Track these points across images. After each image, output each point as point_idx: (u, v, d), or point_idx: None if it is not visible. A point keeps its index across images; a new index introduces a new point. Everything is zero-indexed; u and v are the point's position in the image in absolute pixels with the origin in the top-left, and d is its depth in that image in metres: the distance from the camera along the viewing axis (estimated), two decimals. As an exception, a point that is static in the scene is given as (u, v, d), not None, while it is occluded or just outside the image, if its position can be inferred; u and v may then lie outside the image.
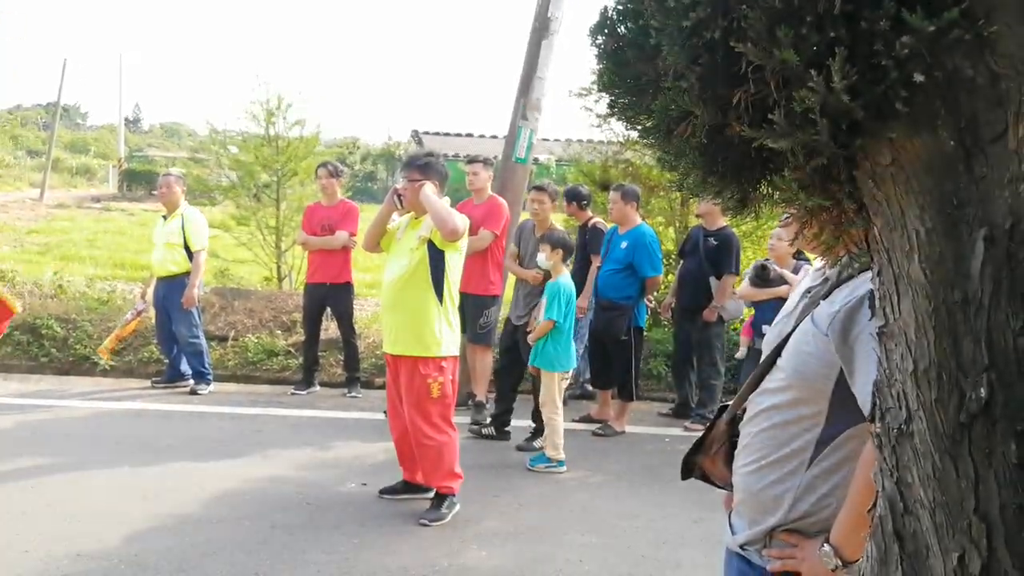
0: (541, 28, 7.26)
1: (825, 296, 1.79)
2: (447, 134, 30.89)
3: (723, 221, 7.11)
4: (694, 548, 4.57)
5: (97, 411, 6.87)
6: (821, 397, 1.76)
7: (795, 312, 1.90)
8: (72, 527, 4.48)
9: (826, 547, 1.74)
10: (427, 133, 30.58)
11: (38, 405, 6.91)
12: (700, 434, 2.14)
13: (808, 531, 1.81)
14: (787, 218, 1.26)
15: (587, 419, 7.04)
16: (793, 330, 1.84)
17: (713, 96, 1.06)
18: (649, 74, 1.10)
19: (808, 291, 1.90)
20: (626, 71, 1.12)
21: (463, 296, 5.00)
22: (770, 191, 1.20)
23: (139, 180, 35.73)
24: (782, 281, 6.10)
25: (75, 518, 4.60)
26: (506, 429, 6.49)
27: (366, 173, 34.17)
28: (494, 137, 31.07)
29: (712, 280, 7.05)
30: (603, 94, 1.22)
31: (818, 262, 1.98)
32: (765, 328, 6.61)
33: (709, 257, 7.04)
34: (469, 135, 31.13)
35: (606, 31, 1.12)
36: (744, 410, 1.96)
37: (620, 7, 1.09)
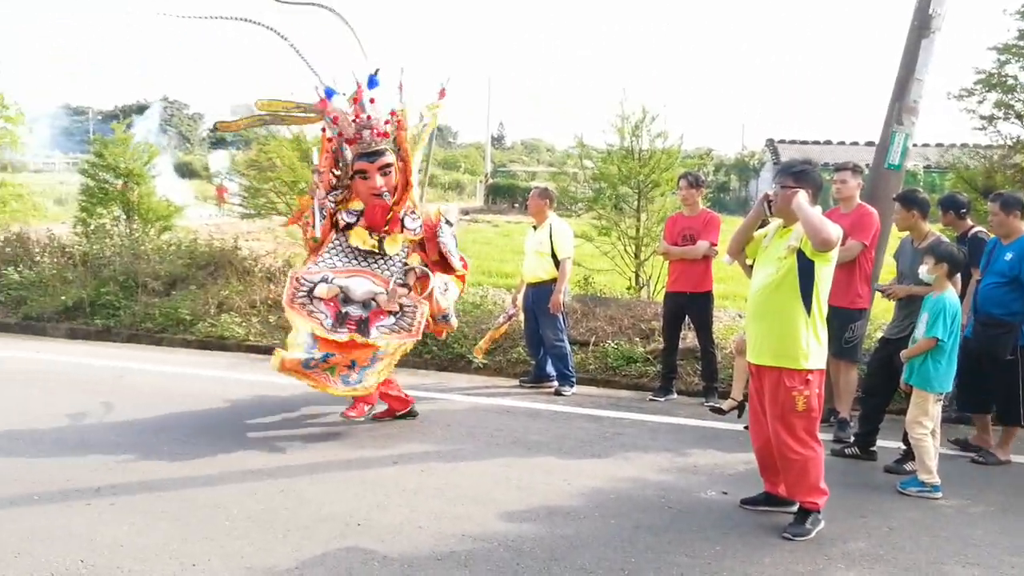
0: (921, 26, 6.82)
1: None
2: (804, 142, 29.86)
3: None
4: (1102, 597, 4.07)
5: (473, 405, 7.48)
6: None
7: None
8: (457, 509, 4.94)
9: None
10: (783, 142, 29.78)
11: (424, 397, 7.60)
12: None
13: None
14: None
15: (963, 444, 6.48)
16: None
17: None
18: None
19: None
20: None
21: (828, 308, 4.84)
22: None
23: (503, 194, 38.12)
24: None
25: (459, 501, 5.06)
26: (871, 449, 6.16)
27: (719, 184, 33.89)
28: (855, 143, 29.55)
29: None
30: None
31: None
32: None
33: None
34: (827, 142, 29.85)
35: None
36: None
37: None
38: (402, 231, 6.76)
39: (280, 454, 5.91)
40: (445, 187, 47.00)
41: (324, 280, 6.44)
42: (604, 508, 5.01)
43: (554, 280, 7.88)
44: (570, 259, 8.02)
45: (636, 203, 10.65)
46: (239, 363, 9.02)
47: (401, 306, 6.48)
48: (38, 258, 11.81)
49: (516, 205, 32.98)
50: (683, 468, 5.82)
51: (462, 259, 7.17)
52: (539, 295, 7.96)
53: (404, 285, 6.61)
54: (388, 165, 6.65)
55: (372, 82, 6.67)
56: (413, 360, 9.01)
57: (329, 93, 6.70)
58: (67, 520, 4.62)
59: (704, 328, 7.69)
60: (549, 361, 8.11)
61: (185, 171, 29.07)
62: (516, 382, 8.36)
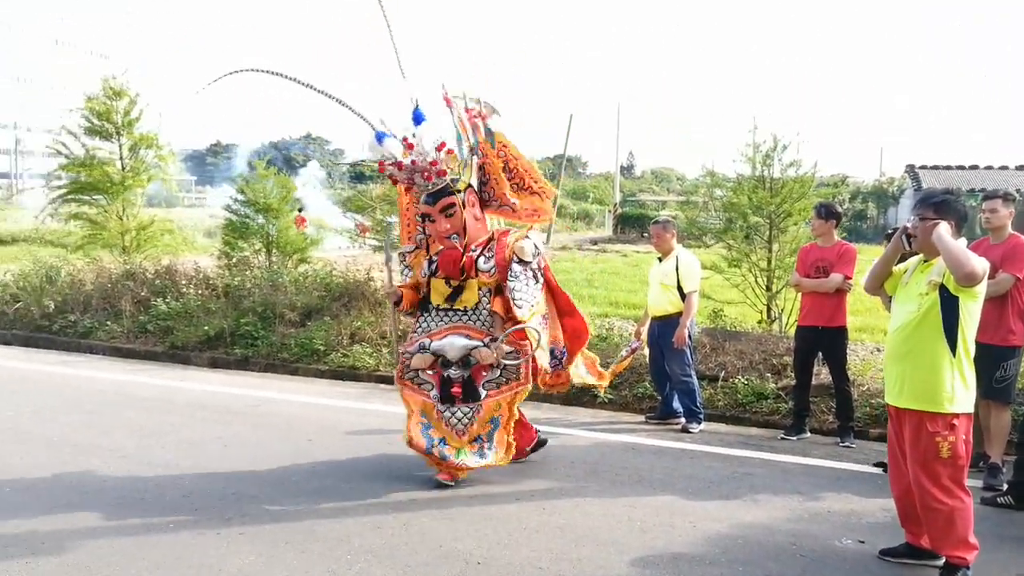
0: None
1: None
2: (948, 167, 28.48)
3: None
4: None
5: (597, 442, 7.35)
6: None
7: None
8: (579, 551, 4.83)
9: None
10: (924, 167, 28.47)
11: (547, 431, 7.51)
12: None
13: None
14: None
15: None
16: None
17: None
18: None
19: None
20: None
21: (977, 346, 4.53)
22: None
23: (632, 223, 38.25)
24: None
25: (581, 543, 4.95)
26: (1028, 498, 5.72)
27: (856, 212, 32.75)
28: (1004, 167, 28.00)
29: None
30: None
31: None
32: None
33: None
34: (974, 167, 28.38)
35: None
36: None
37: None
38: (476, 275, 6.09)
39: (404, 488, 5.93)
40: (574, 217, 47.39)
41: (421, 348, 6.09)
42: (731, 554, 4.81)
43: (680, 313, 7.70)
44: (696, 292, 7.82)
45: (768, 233, 10.35)
46: (369, 393, 9.18)
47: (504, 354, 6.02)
48: (184, 289, 12.40)
49: (645, 235, 32.84)
50: (816, 513, 5.54)
51: (568, 303, 6.60)
52: (665, 329, 7.79)
53: (494, 339, 6.03)
54: (450, 206, 5.97)
55: (417, 118, 6.07)
56: (537, 393, 8.94)
57: (380, 137, 6.11)
58: (198, 549, 4.77)
59: (838, 364, 7.36)
60: (676, 397, 7.92)
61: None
62: (642, 418, 8.19)
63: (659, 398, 8.20)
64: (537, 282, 6.18)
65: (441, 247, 6.19)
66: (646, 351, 8.21)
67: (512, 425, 6.10)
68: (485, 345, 5.96)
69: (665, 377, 7.94)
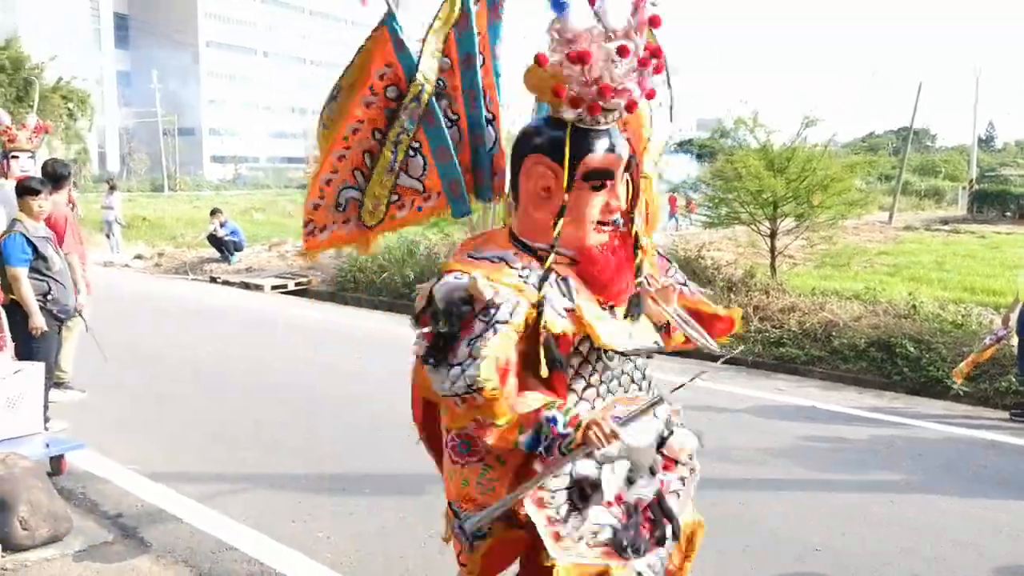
0: None
1: None
2: None
3: None
4: None
5: (949, 436, 6.76)
6: None
7: None
8: (932, 550, 4.49)
9: None
10: None
11: (889, 421, 7.08)
12: None
13: None
14: None
15: None
16: None
17: None
18: None
19: None
20: None
21: None
22: None
23: (991, 201, 34.96)
24: None
25: (935, 542, 4.60)
26: None
27: None
28: None
29: None
30: None
31: None
32: None
33: None
34: None
35: None
36: None
37: None
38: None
39: (740, 467, 5.81)
40: (921, 194, 44.00)
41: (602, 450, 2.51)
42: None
43: (1055, 299, 6.87)
44: (1079, 277, 6.94)
45: None
46: (717, 374, 9.07)
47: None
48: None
49: (1007, 214, 29.68)
50: None
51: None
52: (1037, 317, 6.99)
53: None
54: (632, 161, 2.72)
55: None
56: (880, 380, 8.42)
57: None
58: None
59: None
60: (1048, 393, 7.09)
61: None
62: (1006, 414, 7.39)
63: (1027, 394, 7.40)
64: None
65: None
66: (1014, 341, 7.43)
67: None
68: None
69: (1035, 371, 7.13)
